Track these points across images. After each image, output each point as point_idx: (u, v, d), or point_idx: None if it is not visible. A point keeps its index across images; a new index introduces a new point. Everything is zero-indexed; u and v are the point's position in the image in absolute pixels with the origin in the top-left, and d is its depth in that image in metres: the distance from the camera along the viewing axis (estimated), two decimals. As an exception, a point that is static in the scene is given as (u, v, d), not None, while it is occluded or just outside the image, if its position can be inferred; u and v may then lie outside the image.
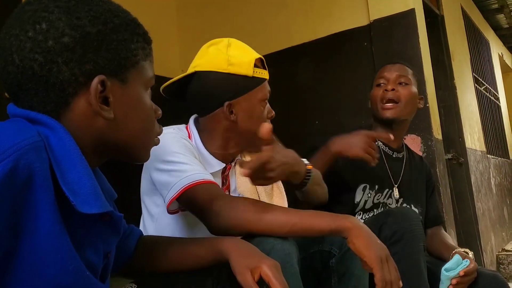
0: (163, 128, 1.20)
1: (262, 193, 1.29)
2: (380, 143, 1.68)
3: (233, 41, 1.25)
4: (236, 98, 1.20)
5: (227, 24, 3.08)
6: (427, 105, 2.40)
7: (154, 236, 1.06)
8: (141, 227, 1.29)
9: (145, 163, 1.20)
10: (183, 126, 1.30)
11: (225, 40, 1.24)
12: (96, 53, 0.66)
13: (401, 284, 0.96)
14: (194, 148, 1.22)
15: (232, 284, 0.85)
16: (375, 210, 1.59)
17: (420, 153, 2.39)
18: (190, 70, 1.24)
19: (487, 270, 1.49)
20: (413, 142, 2.40)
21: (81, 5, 0.66)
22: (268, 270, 0.81)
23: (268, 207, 1.03)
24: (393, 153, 1.70)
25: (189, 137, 1.26)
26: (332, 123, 2.64)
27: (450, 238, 1.67)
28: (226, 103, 1.20)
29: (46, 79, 0.64)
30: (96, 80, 0.66)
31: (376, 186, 1.61)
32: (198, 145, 1.25)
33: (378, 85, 1.65)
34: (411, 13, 2.46)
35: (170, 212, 1.17)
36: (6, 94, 0.69)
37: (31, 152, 0.56)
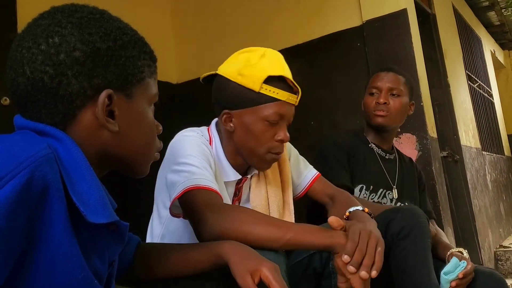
0: (185, 129, 1.23)
1: (274, 207, 1.28)
2: (373, 145, 1.75)
3: (271, 53, 1.20)
4: (237, 109, 1.18)
5: (221, 27, 3.09)
6: (421, 104, 2.42)
7: (152, 243, 1.07)
8: (149, 228, 1.30)
9: (162, 164, 1.21)
10: (205, 128, 1.29)
11: (262, 50, 1.20)
12: (105, 68, 0.69)
13: None
14: (213, 155, 1.20)
15: (231, 288, 0.86)
16: None
17: (415, 152, 2.40)
18: (218, 71, 1.24)
19: (484, 267, 1.50)
20: (408, 141, 2.42)
21: (93, 22, 0.69)
22: (268, 272, 0.81)
23: (265, 219, 1.03)
24: (386, 155, 1.77)
25: (210, 142, 1.25)
26: (327, 123, 2.65)
27: (443, 233, 1.70)
28: (224, 111, 1.19)
29: (55, 91, 0.66)
30: (104, 94, 0.68)
31: (371, 187, 1.65)
32: (218, 150, 1.24)
33: (371, 93, 1.72)
34: (403, 13, 2.48)
35: (173, 214, 1.17)
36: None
37: (45, 164, 0.58)
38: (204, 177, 1.08)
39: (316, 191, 1.38)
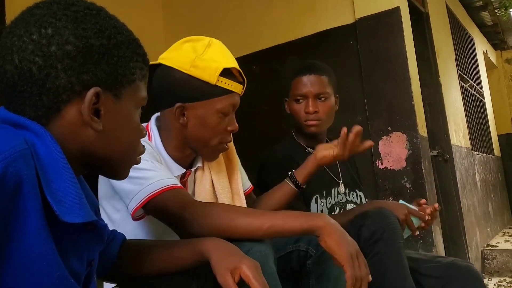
0: None
1: (222, 200, 1.26)
2: (310, 149, 1.67)
3: (215, 43, 1.18)
4: (190, 102, 1.16)
5: (213, 23, 3.06)
6: (412, 103, 2.42)
7: (138, 239, 1.05)
8: None
9: None
10: (143, 125, 1.26)
11: (206, 40, 1.18)
12: (96, 65, 0.67)
13: (370, 279, 0.98)
14: (155, 150, 1.18)
15: (216, 286, 0.85)
16: (333, 213, 1.60)
17: (405, 151, 2.41)
18: (158, 60, 1.20)
19: (460, 261, 1.52)
20: (398, 140, 2.42)
21: (88, 17, 0.68)
22: (248, 270, 0.81)
23: (241, 211, 1.04)
24: None
25: (149, 138, 1.21)
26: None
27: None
28: (177, 104, 1.16)
29: (42, 83, 0.65)
30: (92, 91, 0.67)
31: (324, 192, 1.62)
32: (158, 146, 1.21)
33: (297, 100, 1.65)
34: (396, 11, 2.48)
35: (134, 219, 1.13)
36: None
37: (19, 159, 0.57)
38: (162, 178, 1.07)
39: (247, 203, 1.37)
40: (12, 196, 0.56)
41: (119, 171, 0.77)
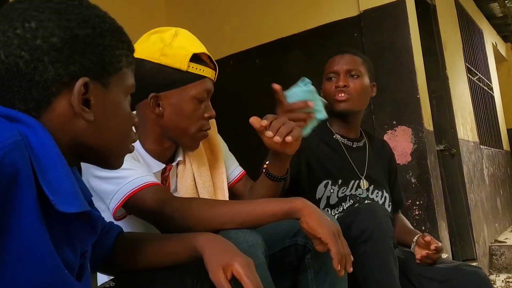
0: None
1: (204, 195, 1.26)
2: (337, 135, 1.65)
3: (182, 32, 1.19)
4: (164, 91, 1.16)
5: (216, 16, 3.04)
6: (418, 96, 2.38)
7: (133, 232, 1.07)
8: None
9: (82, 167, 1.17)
10: None
11: (173, 30, 1.18)
12: (82, 55, 0.68)
13: (352, 258, 0.98)
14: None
15: (212, 283, 0.84)
16: (343, 204, 1.56)
17: (411, 145, 2.37)
18: None
19: (469, 266, 1.47)
20: (404, 134, 2.39)
21: (71, 8, 0.68)
22: (240, 268, 0.80)
23: (219, 201, 1.07)
24: (352, 144, 1.67)
25: None
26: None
27: (407, 222, 1.71)
28: (151, 94, 1.16)
29: (30, 76, 0.65)
30: (80, 82, 0.67)
31: (340, 181, 1.57)
32: (136, 145, 1.18)
33: (329, 79, 1.62)
34: (401, 3, 2.44)
35: (116, 219, 1.14)
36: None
37: (14, 150, 0.57)
38: (139, 176, 1.07)
39: (238, 191, 1.36)
40: (9, 187, 0.57)
41: (112, 161, 0.78)
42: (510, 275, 3.48)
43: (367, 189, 1.62)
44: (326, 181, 1.56)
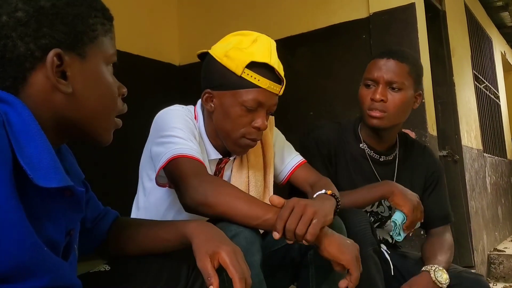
0: (172, 106, 1.23)
1: (253, 193, 1.28)
2: (365, 145, 1.52)
3: (262, 39, 1.18)
4: (218, 90, 1.18)
5: (226, 11, 3.05)
6: (423, 100, 2.38)
7: (128, 218, 1.06)
8: (134, 201, 1.32)
9: (148, 138, 1.22)
10: (191, 106, 1.30)
11: (254, 35, 1.18)
12: (51, 27, 0.66)
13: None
14: (197, 130, 1.22)
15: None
16: None
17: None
18: (210, 50, 1.23)
19: (470, 273, 1.44)
20: (407, 138, 2.38)
21: None
22: (226, 256, 0.80)
23: (247, 196, 1.04)
24: (380, 157, 1.52)
25: (195, 118, 1.26)
26: (326, 114, 2.62)
27: (448, 244, 1.48)
28: (206, 90, 1.20)
29: (1, 54, 0.64)
30: (51, 54, 0.66)
31: None
32: (201, 128, 1.25)
33: (367, 85, 1.45)
34: (411, 7, 2.44)
35: (159, 184, 1.18)
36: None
37: None
38: (189, 147, 1.10)
39: (298, 179, 1.36)
40: None
41: (98, 135, 0.75)
42: (508, 284, 3.47)
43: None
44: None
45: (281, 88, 1.19)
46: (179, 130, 1.14)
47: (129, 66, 2.61)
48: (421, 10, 2.55)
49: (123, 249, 0.93)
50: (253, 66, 1.14)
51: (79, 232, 0.81)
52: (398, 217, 1.35)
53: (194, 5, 3.24)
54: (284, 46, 2.80)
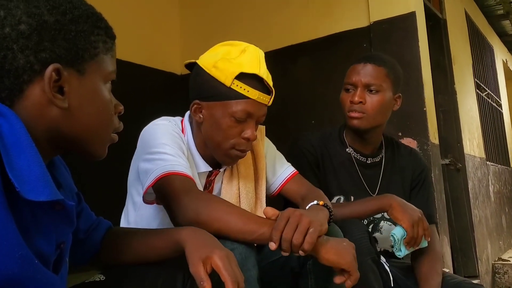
0: (158, 119, 1.22)
1: (245, 204, 1.27)
2: (351, 149, 1.55)
3: (251, 49, 1.17)
4: (207, 101, 1.17)
5: (228, 21, 3.06)
6: (424, 109, 2.38)
7: (122, 227, 1.07)
8: (123, 215, 1.31)
9: (135, 153, 1.21)
10: (178, 119, 1.29)
11: (243, 46, 1.18)
12: (52, 42, 0.66)
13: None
14: (185, 144, 1.20)
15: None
16: None
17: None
18: (198, 60, 1.23)
19: (470, 283, 1.42)
20: (409, 145, 2.37)
21: None
22: (219, 260, 0.80)
23: (240, 211, 1.03)
24: (366, 160, 1.56)
25: (183, 131, 1.24)
26: (328, 122, 2.61)
27: (437, 257, 1.45)
28: (195, 101, 1.19)
29: (0, 65, 0.64)
30: (50, 68, 0.66)
31: (352, 198, 1.50)
32: (189, 141, 1.24)
33: (346, 90, 1.50)
34: (411, 16, 2.44)
35: (146, 202, 1.17)
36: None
37: None
38: (178, 164, 1.09)
39: (289, 191, 1.34)
40: None
41: (92, 150, 0.75)
42: (512, 294, 3.44)
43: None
44: (338, 196, 1.50)
45: (270, 98, 1.18)
46: (167, 146, 1.12)
47: (131, 75, 2.62)
48: (422, 18, 2.55)
49: (117, 258, 0.93)
50: (243, 77, 1.13)
51: (72, 243, 0.80)
52: (397, 232, 1.30)
53: (197, 15, 3.25)
54: (286, 55, 2.81)
